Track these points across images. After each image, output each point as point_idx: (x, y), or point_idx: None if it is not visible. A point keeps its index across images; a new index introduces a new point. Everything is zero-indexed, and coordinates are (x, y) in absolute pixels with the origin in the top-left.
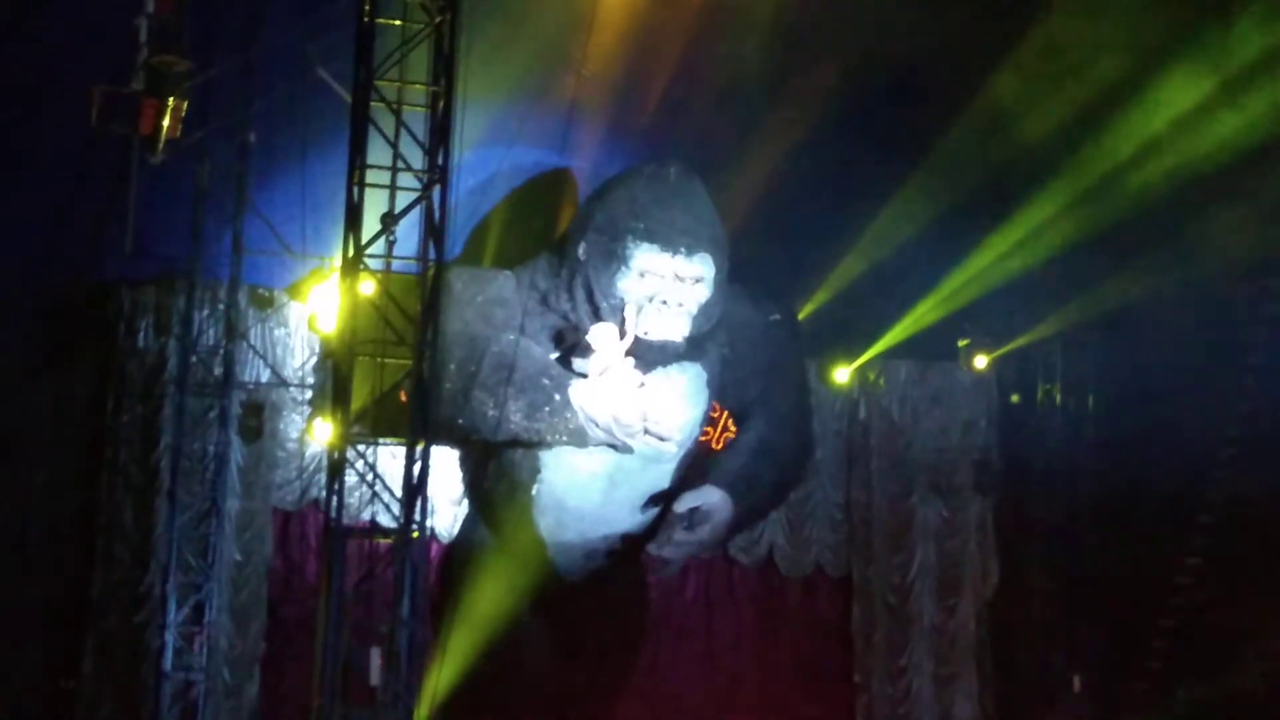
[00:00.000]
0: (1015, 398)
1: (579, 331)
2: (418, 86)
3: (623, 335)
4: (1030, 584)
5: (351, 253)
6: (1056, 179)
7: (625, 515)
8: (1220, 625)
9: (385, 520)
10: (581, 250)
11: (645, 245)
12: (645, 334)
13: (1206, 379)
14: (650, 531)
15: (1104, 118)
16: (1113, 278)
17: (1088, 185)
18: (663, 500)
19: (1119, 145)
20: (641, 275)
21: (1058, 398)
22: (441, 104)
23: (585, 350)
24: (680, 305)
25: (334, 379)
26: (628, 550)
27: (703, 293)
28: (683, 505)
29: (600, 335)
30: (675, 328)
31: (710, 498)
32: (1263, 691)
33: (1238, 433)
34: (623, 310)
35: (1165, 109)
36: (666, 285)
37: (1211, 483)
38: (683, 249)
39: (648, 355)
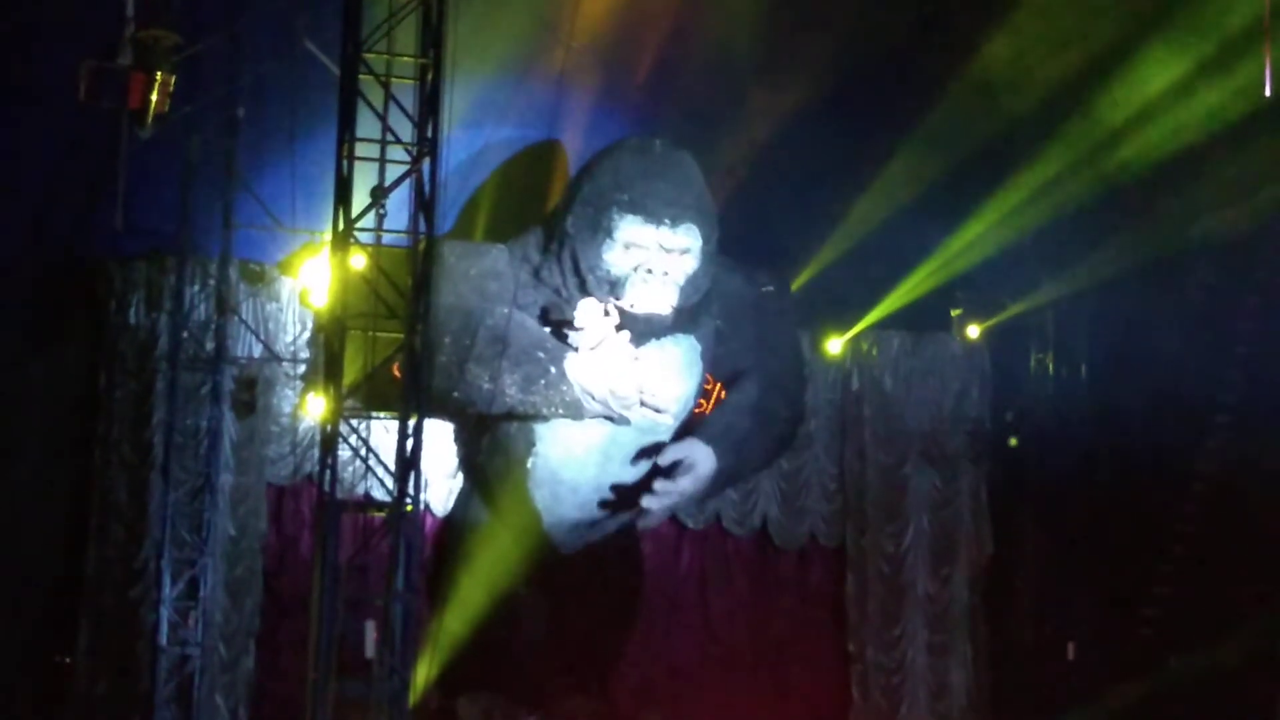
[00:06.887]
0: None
1: (565, 307)
2: (406, 59)
3: (606, 313)
4: (1024, 553)
5: (341, 226)
6: (1048, 148)
7: (620, 491)
8: (1213, 593)
9: (379, 494)
10: (569, 223)
11: (629, 217)
12: (631, 306)
13: (1200, 347)
14: (641, 486)
15: (1094, 87)
16: (1105, 246)
17: (1079, 154)
18: (651, 454)
19: (1110, 115)
20: (626, 247)
21: (1050, 367)
22: (430, 76)
23: (572, 325)
24: (666, 275)
25: (326, 353)
26: (620, 502)
27: (689, 264)
28: (666, 458)
29: (586, 311)
30: (662, 299)
31: (694, 450)
32: (1255, 659)
33: (1231, 401)
34: (610, 283)
35: (1155, 78)
36: (652, 257)
37: (1205, 451)
38: (667, 220)
39: (636, 328)
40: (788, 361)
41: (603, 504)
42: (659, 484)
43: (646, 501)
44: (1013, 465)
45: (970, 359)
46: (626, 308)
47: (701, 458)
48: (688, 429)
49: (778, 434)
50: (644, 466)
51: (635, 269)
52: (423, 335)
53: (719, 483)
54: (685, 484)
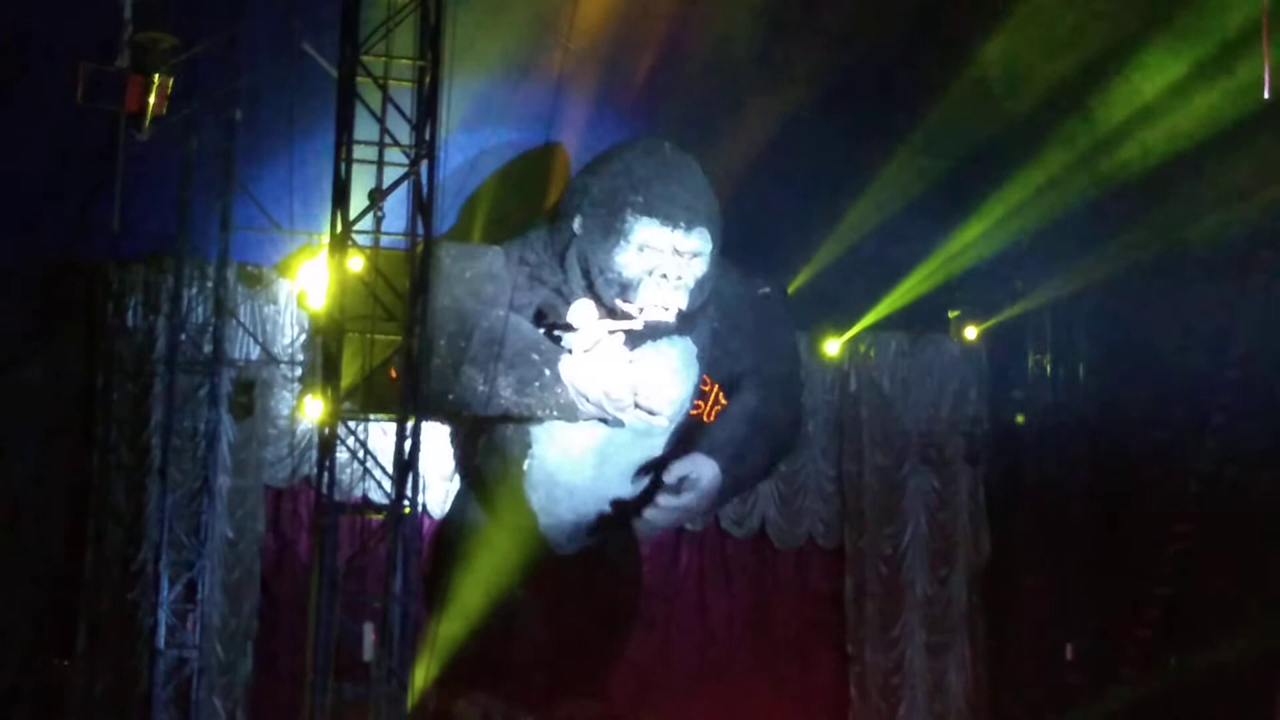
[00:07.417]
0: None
1: (562, 308)
2: (404, 61)
3: (616, 316)
4: (1022, 553)
5: (339, 229)
6: (1046, 149)
7: (616, 489)
8: (1212, 594)
9: (377, 496)
10: (577, 224)
11: (645, 219)
12: (641, 311)
13: (1198, 347)
14: (642, 500)
15: (1092, 89)
16: (1103, 247)
17: (1077, 155)
18: (654, 469)
19: (1108, 116)
20: (640, 250)
21: (1048, 367)
22: (428, 78)
23: (566, 326)
24: (679, 280)
25: (324, 356)
26: (618, 517)
27: (699, 267)
28: (672, 475)
29: (579, 312)
30: (673, 303)
31: (699, 466)
32: (1254, 659)
33: (1229, 401)
34: (620, 285)
35: (1153, 80)
36: (665, 260)
37: (1203, 451)
38: (682, 223)
39: (635, 330)
40: (785, 365)
41: (601, 518)
42: (662, 498)
43: (649, 514)
44: (1011, 466)
45: (968, 360)
46: (635, 312)
47: (706, 473)
48: (686, 432)
49: (778, 440)
50: (644, 482)
51: (650, 272)
52: (420, 338)
53: (724, 495)
54: (689, 499)
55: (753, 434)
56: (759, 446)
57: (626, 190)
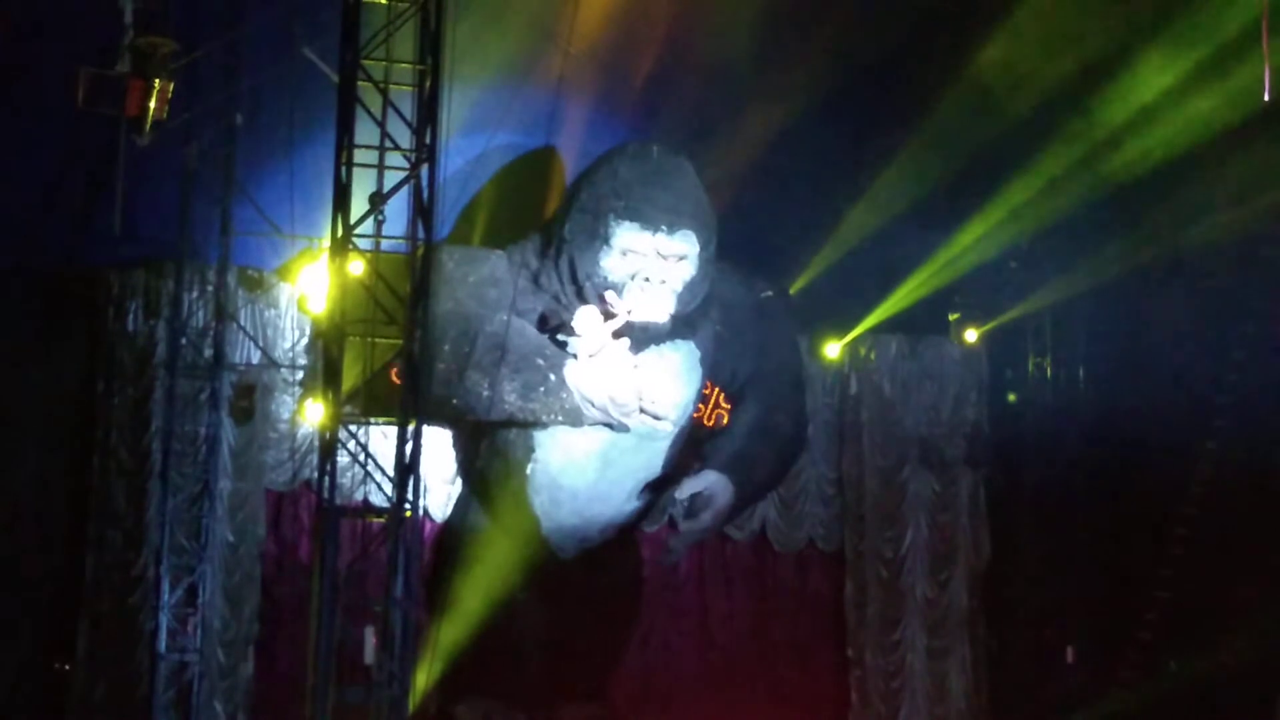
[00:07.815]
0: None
1: (564, 313)
2: (404, 65)
3: (608, 318)
4: (1022, 556)
5: (340, 233)
6: (1046, 152)
7: (620, 497)
8: (1211, 597)
9: (378, 500)
10: (567, 230)
11: (626, 224)
12: (629, 314)
13: (1197, 351)
14: (644, 515)
15: (1091, 92)
16: (1103, 250)
17: (1077, 158)
18: (658, 487)
19: (1107, 119)
20: (623, 254)
21: (1048, 371)
22: (428, 82)
23: (569, 332)
24: (664, 283)
25: (325, 359)
26: (620, 521)
27: (686, 270)
28: (684, 493)
29: (584, 318)
30: (660, 306)
31: (711, 483)
32: (1254, 661)
33: (1229, 404)
34: (605, 291)
35: (1152, 83)
36: (649, 263)
37: (1202, 454)
38: (664, 226)
39: (635, 334)
40: (787, 369)
41: (603, 522)
42: (683, 524)
43: (672, 542)
44: (1011, 469)
45: (968, 363)
46: (624, 313)
47: (719, 490)
48: (688, 437)
49: (785, 448)
50: (650, 497)
51: (633, 276)
52: (421, 341)
53: (735, 510)
54: (706, 519)
55: (760, 445)
56: (767, 458)
57: (610, 195)
